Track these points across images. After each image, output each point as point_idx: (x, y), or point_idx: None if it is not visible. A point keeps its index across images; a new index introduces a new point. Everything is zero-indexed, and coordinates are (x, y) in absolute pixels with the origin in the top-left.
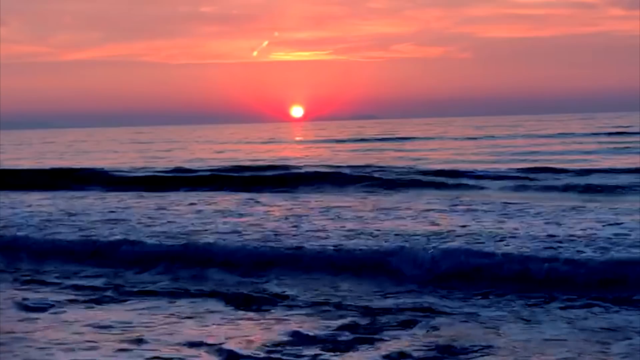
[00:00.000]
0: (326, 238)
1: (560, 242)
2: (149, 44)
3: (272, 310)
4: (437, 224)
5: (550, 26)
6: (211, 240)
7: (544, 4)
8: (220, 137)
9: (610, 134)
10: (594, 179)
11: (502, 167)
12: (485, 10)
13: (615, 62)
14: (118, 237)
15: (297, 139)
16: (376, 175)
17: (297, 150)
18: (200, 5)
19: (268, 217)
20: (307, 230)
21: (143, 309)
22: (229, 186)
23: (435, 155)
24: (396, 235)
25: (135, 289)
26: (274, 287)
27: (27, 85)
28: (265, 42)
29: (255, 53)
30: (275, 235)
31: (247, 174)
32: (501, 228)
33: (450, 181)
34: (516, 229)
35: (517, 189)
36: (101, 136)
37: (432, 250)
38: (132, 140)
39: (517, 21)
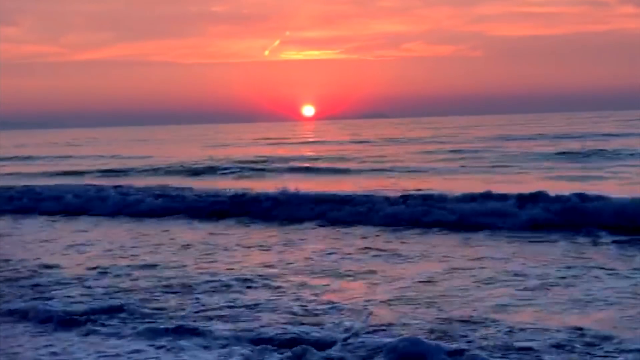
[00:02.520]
0: None
1: None
2: (160, 44)
3: None
4: None
5: (561, 24)
6: None
7: (555, 2)
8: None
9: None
10: None
11: None
12: (496, 8)
13: (627, 60)
14: None
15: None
16: None
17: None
18: (211, 5)
19: None
20: None
21: None
22: None
23: None
24: None
25: None
26: None
27: (39, 85)
28: (277, 42)
29: (267, 52)
30: None
31: None
32: None
33: None
34: None
35: None
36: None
37: None
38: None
39: (528, 19)
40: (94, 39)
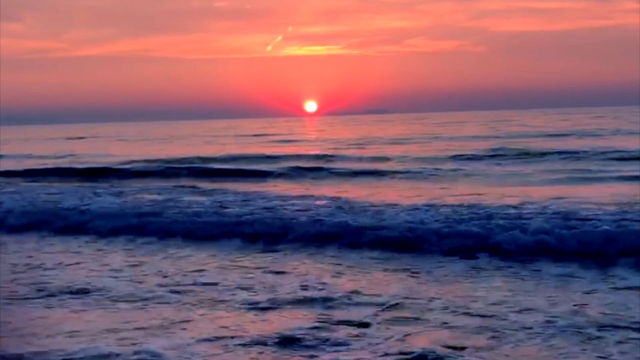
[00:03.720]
0: None
1: None
2: (163, 39)
3: None
4: None
5: (564, 19)
6: None
7: None
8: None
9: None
10: None
11: None
12: (499, 3)
13: (630, 56)
14: None
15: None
16: None
17: None
18: (214, 0)
19: None
20: None
21: None
22: None
23: None
24: None
25: None
26: None
27: (42, 81)
28: (279, 37)
29: (269, 48)
30: None
31: None
32: None
33: None
34: None
35: None
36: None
37: None
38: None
39: (531, 14)
40: (97, 34)
